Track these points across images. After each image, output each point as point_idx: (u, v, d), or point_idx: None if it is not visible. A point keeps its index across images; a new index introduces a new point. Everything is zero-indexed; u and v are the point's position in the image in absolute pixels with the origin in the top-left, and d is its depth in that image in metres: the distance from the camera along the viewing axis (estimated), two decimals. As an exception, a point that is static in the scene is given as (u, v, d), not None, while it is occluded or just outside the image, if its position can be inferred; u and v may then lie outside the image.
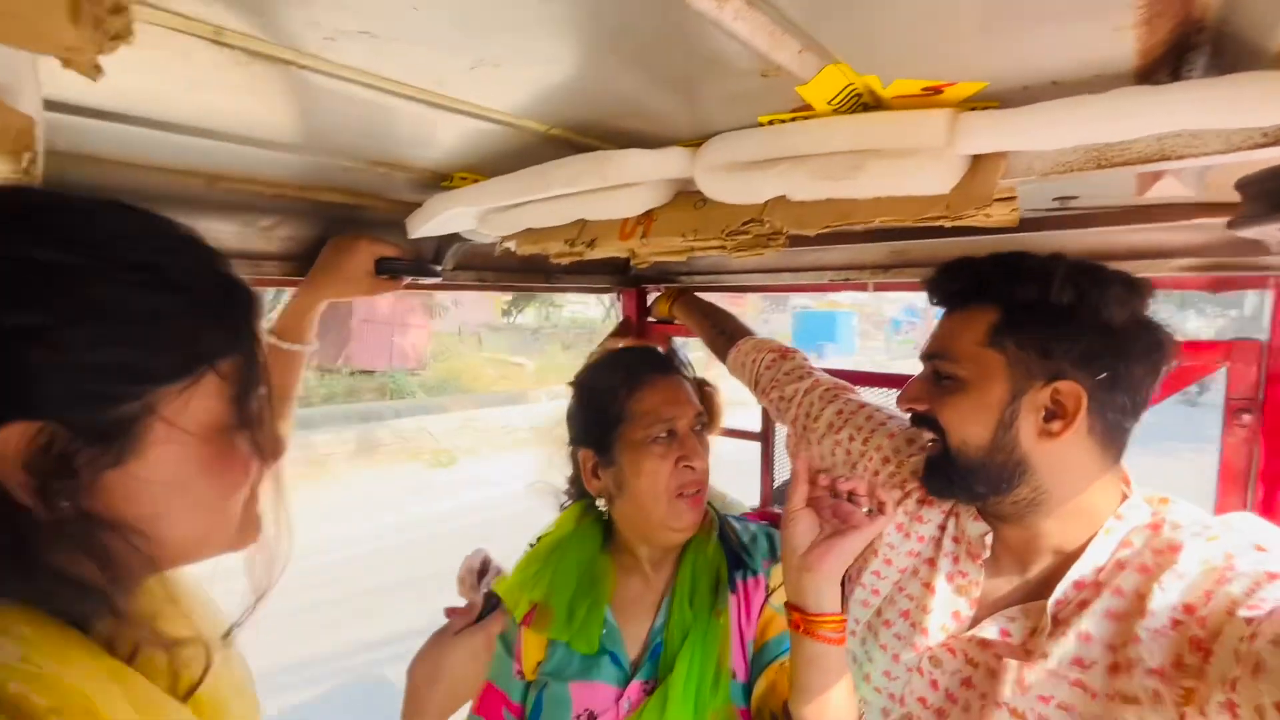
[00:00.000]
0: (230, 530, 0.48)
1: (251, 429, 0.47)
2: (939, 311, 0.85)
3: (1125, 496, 0.75)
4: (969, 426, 0.74)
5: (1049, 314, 0.71)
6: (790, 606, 0.74)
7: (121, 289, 0.40)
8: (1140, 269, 1.04)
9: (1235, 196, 0.79)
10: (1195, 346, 0.99)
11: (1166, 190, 0.74)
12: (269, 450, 0.50)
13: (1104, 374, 0.70)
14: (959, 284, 0.79)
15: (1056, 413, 0.71)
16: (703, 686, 0.83)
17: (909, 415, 0.82)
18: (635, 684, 0.86)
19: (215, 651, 0.50)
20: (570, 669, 0.88)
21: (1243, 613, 0.58)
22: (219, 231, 0.95)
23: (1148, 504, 0.74)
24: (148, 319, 0.41)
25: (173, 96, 0.56)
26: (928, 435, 0.79)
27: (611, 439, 0.92)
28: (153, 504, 0.43)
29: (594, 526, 1.00)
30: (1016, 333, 0.72)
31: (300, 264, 1.02)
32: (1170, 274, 1.03)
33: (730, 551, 0.95)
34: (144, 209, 0.44)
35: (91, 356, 0.39)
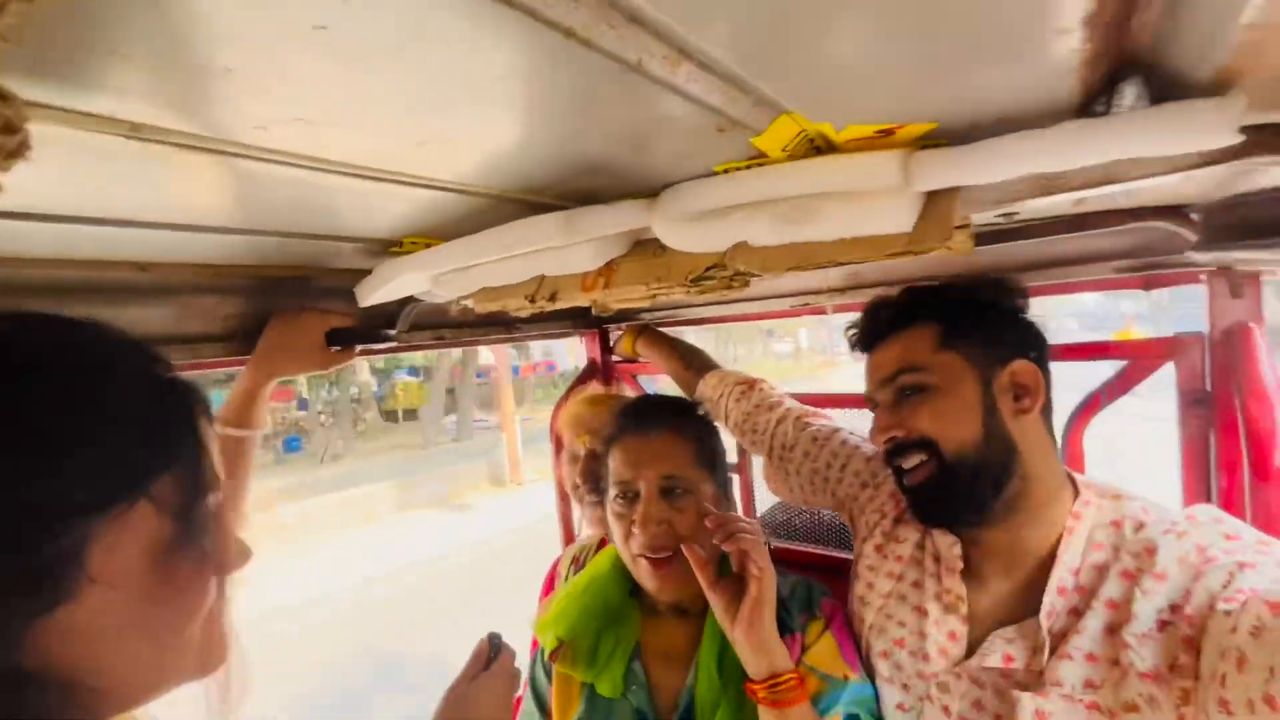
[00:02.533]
0: (189, 658, 0.43)
1: (203, 542, 0.43)
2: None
3: (1076, 491, 0.78)
4: (960, 425, 0.76)
5: (981, 314, 0.80)
6: (746, 680, 0.77)
7: (36, 418, 0.35)
8: (1080, 273, 1.09)
9: (1164, 200, 0.83)
10: (1141, 345, 1.03)
11: (1099, 200, 0.78)
12: (227, 561, 0.45)
13: (1034, 354, 0.79)
14: (893, 312, 0.85)
15: (1021, 391, 0.77)
16: None
17: (888, 449, 0.81)
18: None
19: None
20: None
21: (1222, 606, 0.59)
22: (151, 318, 0.89)
23: (1100, 498, 0.77)
24: (70, 447, 0.36)
25: (90, 192, 0.52)
26: (916, 458, 0.78)
27: (606, 491, 0.93)
28: (96, 647, 0.38)
29: (625, 569, 0.97)
30: (962, 334, 0.79)
31: (244, 343, 0.96)
32: (1108, 275, 1.08)
33: None
34: (56, 315, 0.40)
35: (9, 495, 0.34)
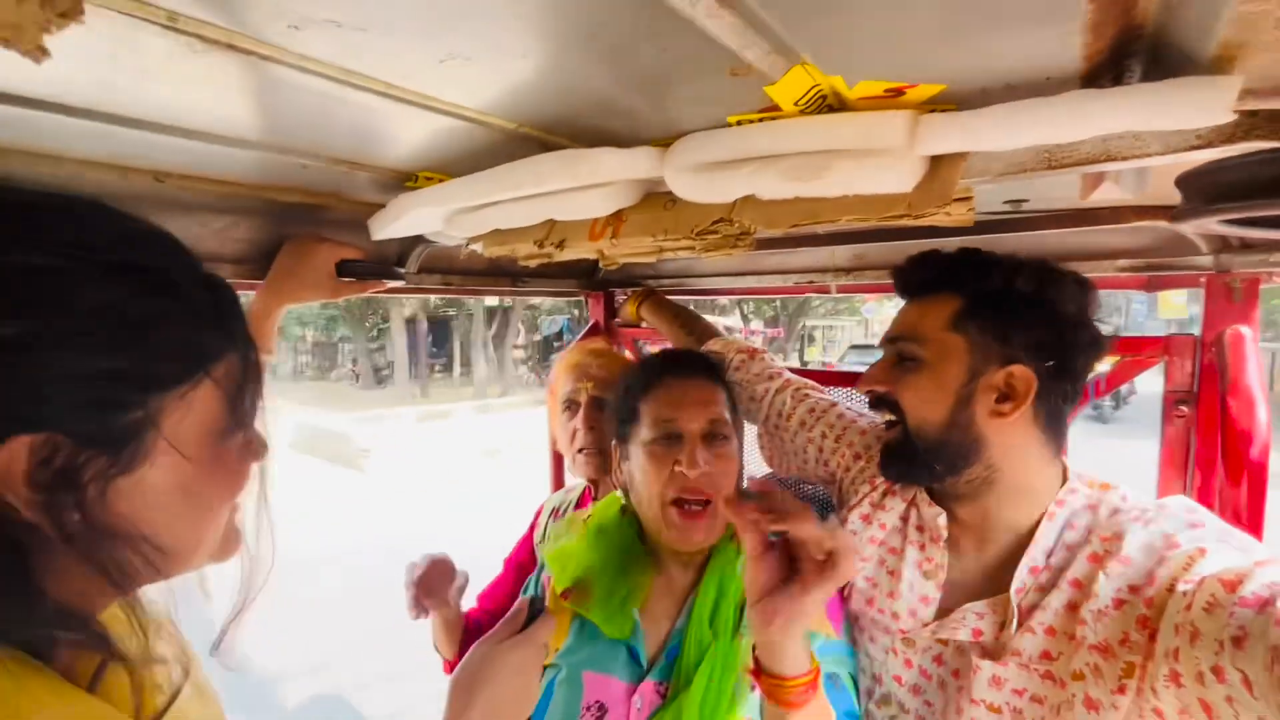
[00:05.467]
0: (215, 539, 0.47)
1: (248, 428, 0.47)
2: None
3: (1066, 481, 0.79)
4: (927, 405, 0.78)
5: (1010, 304, 0.76)
6: (755, 661, 0.68)
7: (116, 292, 0.39)
8: (1084, 269, 1.10)
9: (1171, 199, 0.84)
10: (1135, 343, 1.05)
11: (1108, 194, 0.79)
12: (259, 450, 0.50)
13: (1051, 362, 0.75)
14: (925, 274, 0.83)
15: (1008, 394, 0.75)
16: (718, 709, 0.80)
17: (869, 396, 0.85)
18: (649, 683, 0.83)
19: (183, 674, 0.48)
20: (586, 656, 0.86)
21: (1180, 587, 0.61)
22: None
23: (1088, 487, 0.78)
24: (146, 323, 0.40)
25: (117, 86, 0.53)
26: (887, 416, 0.82)
27: (627, 436, 0.92)
28: (158, 511, 0.42)
29: (632, 517, 0.98)
30: (979, 319, 0.77)
31: (256, 267, 0.98)
32: (1111, 274, 1.09)
33: None
34: (120, 209, 0.44)
35: (92, 364, 0.38)
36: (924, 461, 0.79)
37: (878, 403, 0.84)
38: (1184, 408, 0.98)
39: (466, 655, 0.70)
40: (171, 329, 0.41)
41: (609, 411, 1.20)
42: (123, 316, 0.39)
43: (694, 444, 0.86)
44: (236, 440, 0.46)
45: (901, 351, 0.81)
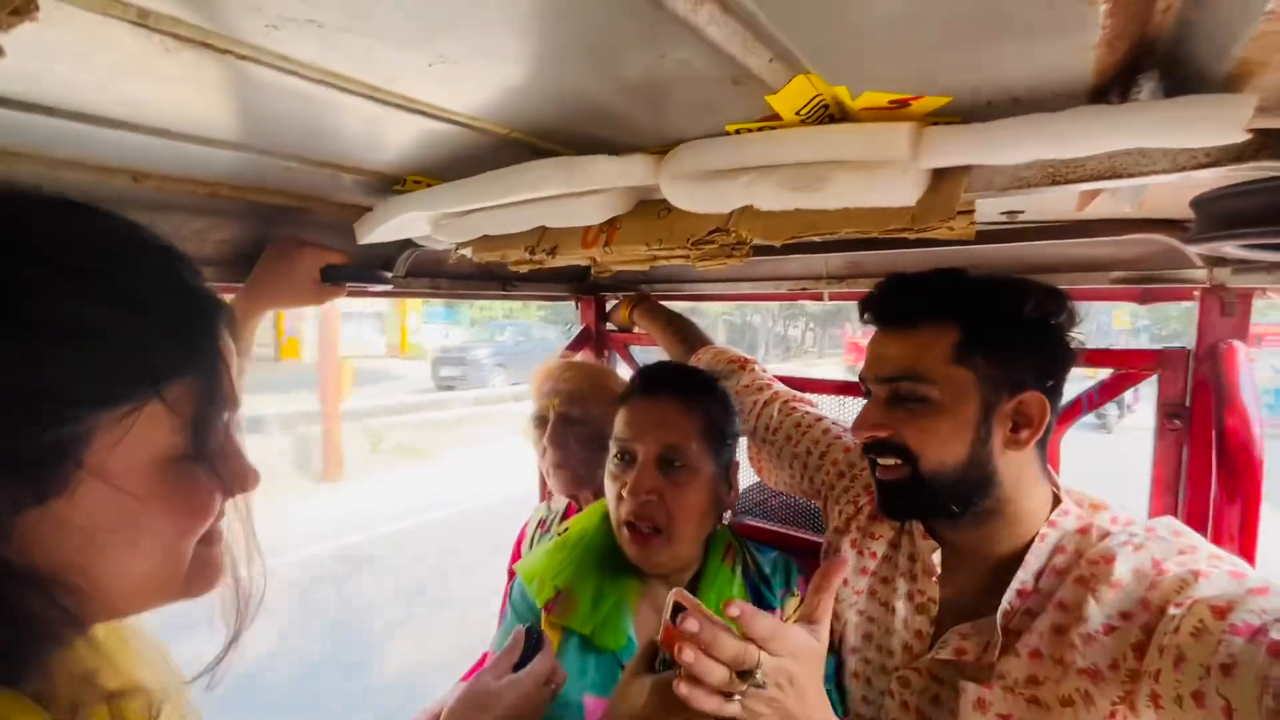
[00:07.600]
0: (179, 577, 0.42)
1: (213, 459, 0.42)
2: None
3: (1057, 499, 0.77)
4: (946, 448, 0.73)
5: (1015, 330, 0.73)
6: None
7: (55, 300, 0.35)
8: (1078, 280, 1.10)
9: (1167, 213, 0.83)
10: (1129, 355, 1.05)
11: (1104, 206, 0.78)
12: (236, 482, 0.45)
13: (1052, 382, 0.73)
14: (915, 302, 0.76)
15: (1021, 423, 0.73)
16: None
17: (868, 441, 0.78)
18: None
19: (165, 702, 0.44)
20: (585, 679, 0.82)
21: (1171, 610, 0.60)
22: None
23: (1078, 507, 0.77)
24: (84, 335, 0.35)
25: (90, 85, 0.51)
26: (890, 460, 0.76)
27: (606, 449, 0.91)
28: (82, 549, 0.37)
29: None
30: (985, 349, 0.72)
31: (237, 270, 0.95)
32: (1105, 286, 1.09)
33: (750, 584, 0.92)
34: (93, 206, 0.39)
35: (12, 377, 0.33)
36: (936, 502, 0.74)
37: (878, 448, 0.77)
38: (1177, 421, 0.97)
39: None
40: (118, 342, 0.36)
41: (578, 427, 1.18)
42: (57, 326, 0.35)
43: (642, 470, 0.84)
44: (198, 470, 0.41)
45: (903, 392, 0.75)
